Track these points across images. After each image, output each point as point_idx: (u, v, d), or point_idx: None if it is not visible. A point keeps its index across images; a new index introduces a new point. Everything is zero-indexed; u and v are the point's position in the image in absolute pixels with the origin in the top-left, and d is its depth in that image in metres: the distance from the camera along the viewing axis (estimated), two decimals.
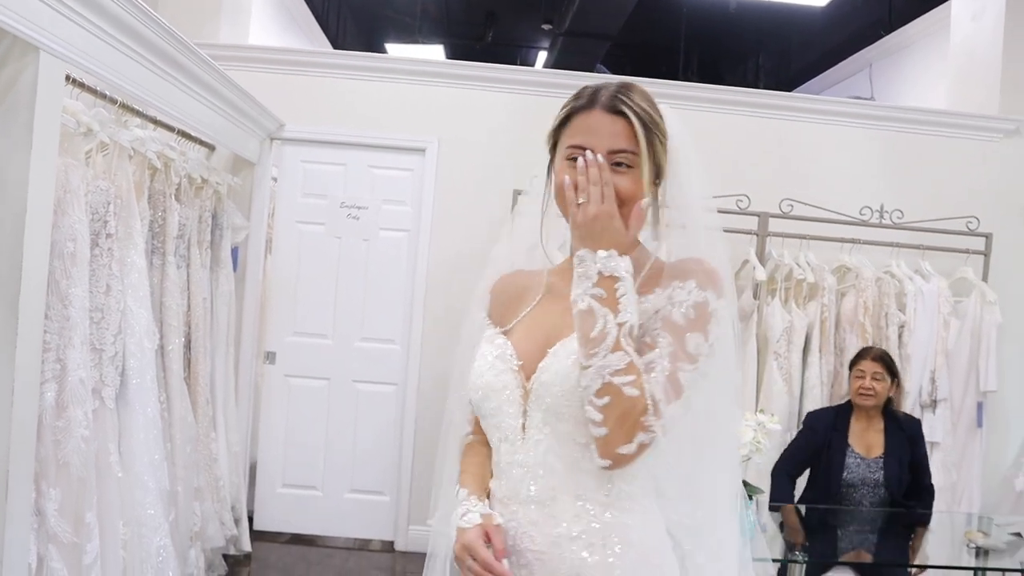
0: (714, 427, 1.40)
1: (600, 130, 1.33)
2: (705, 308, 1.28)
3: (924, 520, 3.44)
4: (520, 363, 1.39)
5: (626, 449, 1.23)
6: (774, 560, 1.41)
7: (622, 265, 1.26)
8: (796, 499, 3.49)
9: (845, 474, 3.34)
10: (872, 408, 3.43)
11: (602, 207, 1.27)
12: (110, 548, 2.66)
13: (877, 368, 3.45)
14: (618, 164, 1.32)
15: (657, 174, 1.36)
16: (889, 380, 3.45)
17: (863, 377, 3.45)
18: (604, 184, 1.28)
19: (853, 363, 3.57)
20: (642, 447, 1.24)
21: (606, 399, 1.22)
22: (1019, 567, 3.07)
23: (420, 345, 4.62)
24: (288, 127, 4.51)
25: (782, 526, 3.16)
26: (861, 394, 3.43)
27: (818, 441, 3.40)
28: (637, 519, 1.32)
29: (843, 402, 3.59)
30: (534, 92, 4.51)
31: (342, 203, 4.62)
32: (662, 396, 1.23)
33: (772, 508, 3.27)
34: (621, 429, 1.22)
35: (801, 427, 3.61)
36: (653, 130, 1.34)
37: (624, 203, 1.31)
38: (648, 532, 1.33)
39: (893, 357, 3.86)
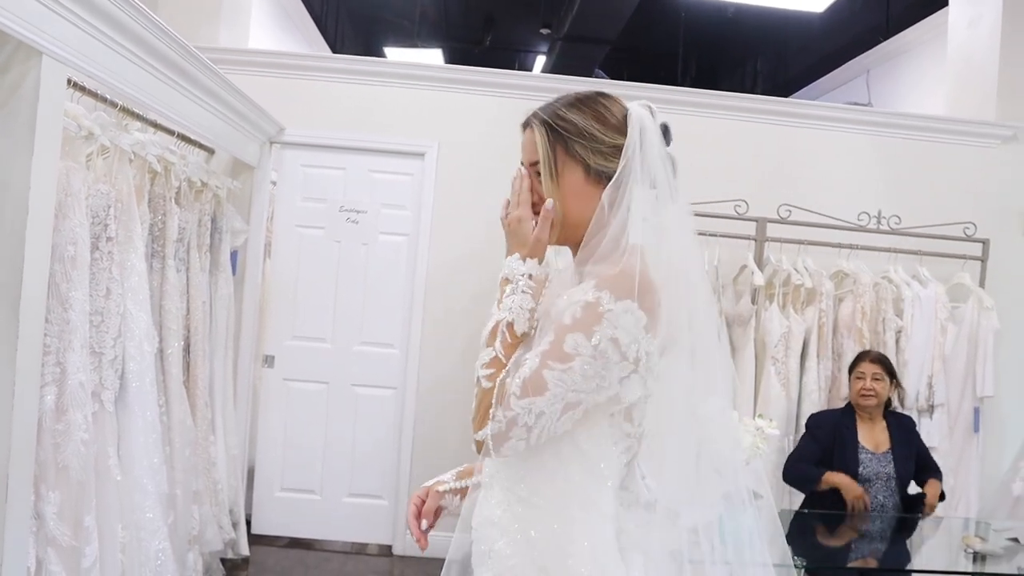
0: (660, 429, 1.42)
1: (523, 145, 1.45)
2: (595, 308, 1.27)
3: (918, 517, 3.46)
4: None
5: (480, 435, 1.30)
6: (775, 565, 1.42)
7: (518, 268, 1.38)
8: (800, 504, 3.50)
9: (861, 469, 3.39)
10: (874, 408, 3.51)
11: (514, 212, 1.41)
12: (109, 551, 2.66)
13: (876, 369, 3.52)
14: (538, 173, 1.41)
15: (604, 175, 1.38)
16: (888, 381, 3.53)
17: (863, 379, 3.52)
18: (520, 192, 1.41)
19: (852, 367, 3.64)
20: (497, 438, 1.28)
21: (475, 390, 1.34)
22: (1016, 572, 3.08)
23: (419, 349, 4.62)
24: (288, 131, 4.52)
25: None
26: (863, 395, 3.50)
27: (826, 441, 3.43)
28: (547, 518, 1.34)
29: (844, 405, 3.63)
30: (533, 97, 4.48)
31: (341, 207, 4.63)
32: (517, 391, 1.27)
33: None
34: (476, 416, 1.32)
35: (805, 430, 3.62)
36: (563, 133, 1.38)
37: (539, 206, 1.40)
38: (554, 533, 1.33)
39: (867, 349, 3.94)
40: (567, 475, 1.34)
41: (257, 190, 4.51)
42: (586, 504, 1.34)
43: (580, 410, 1.29)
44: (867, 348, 4.12)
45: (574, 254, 1.46)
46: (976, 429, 4.29)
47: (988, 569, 3.05)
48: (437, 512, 1.59)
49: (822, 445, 3.46)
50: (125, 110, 3.02)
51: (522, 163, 1.44)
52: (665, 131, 1.42)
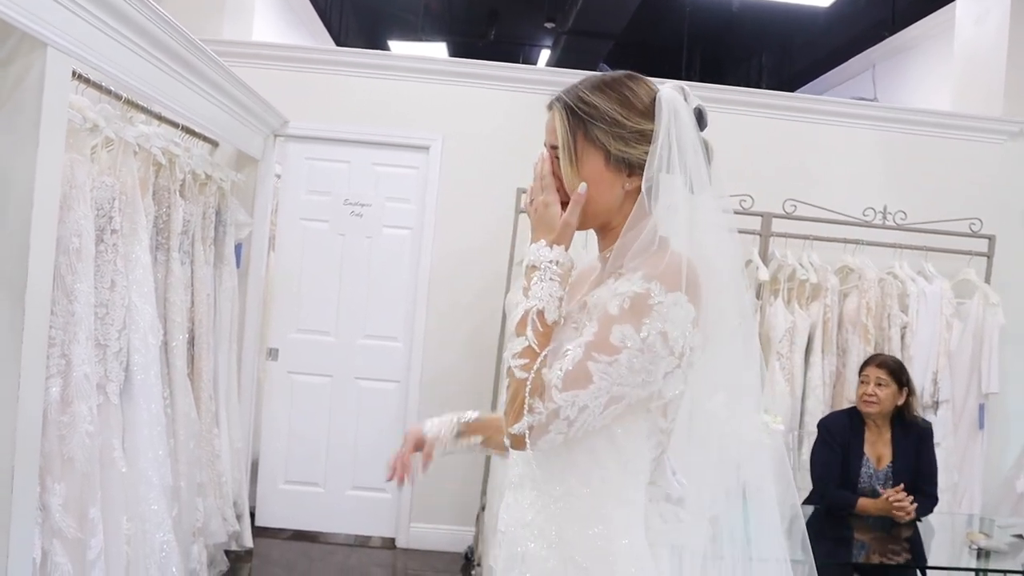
0: (701, 427, 1.39)
1: (546, 127, 1.39)
2: (644, 300, 1.22)
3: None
4: None
5: (516, 429, 1.25)
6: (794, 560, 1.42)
7: (545, 254, 1.32)
8: (803, 500, 3.49)
9: (860, 483, 3.36)
10: (877, 416, 3.39)
11: (539, 198, 1.36)
12: (114, 543, 2.67)
13: (881, 374, 3.39)
14: (558, 157, 1.36)
15: (626, 162, 1.33)
16: (895, 387, 3.38)
17: (867, 383, 3.40)
18: (542, 177, 1.36)
19: (860, 369, 3.54)
20: (536, 430, 1.23)
21: (507, 381, 1.28)
22: (1021, 569, 3.07)
23: (423, 342, 4.62)
24: (292, 124, 4.51)
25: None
26: (864, 400, 3.40)
27: (839, 449, 3.37)
28: (583, 517, 1.30)
29: (850, 407, 3.57)
30: (538, 90, 4.50)
31: (346, 200, 4.62)
32: (558, 383, 1.22)
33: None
34: (512, 409, 1.26)
35: (817, 436, 3.52)
36: (584, 117, 1.33)
37: (562, 191, 1.37)
38: (593, 532, 1.30)
39: (898, 359, 3.85)
40: (603, 473, 1.31)
41: (261, 183, 4.51)
42: (623, 501, 1.31)
43: (623, 404, 1.24)
44: (872, 344, 4.12)
45: (599, 240, 1.43)
46: (981, 426, 4.28)
47: (992, 565, 3.05)
48: (425, 464, 1.61)
49: (837, 453, 3.38)
50: (130, 102, 3.01)
51: (545, 146, 1.40)
52: (699, 115, 1.37)
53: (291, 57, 4.66)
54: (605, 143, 1.32)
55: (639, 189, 1.33)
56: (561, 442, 1.25)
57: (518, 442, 1.27)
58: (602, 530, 1.29)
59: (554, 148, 1.37)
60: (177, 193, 3.33)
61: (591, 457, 1.30)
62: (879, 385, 3.38)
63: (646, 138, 1.32)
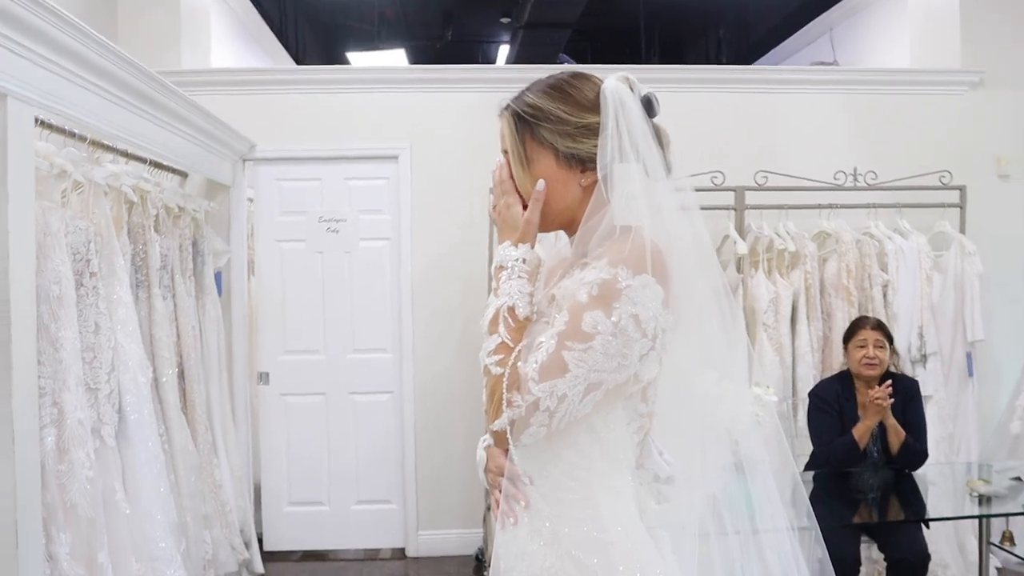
0: (673, 403, 1.42)
1: (500, 135, 1.44)
2: (612, 285, 1.24)
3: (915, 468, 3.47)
4: None
5: (497, 425, 1.28)
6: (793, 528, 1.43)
7: (511, 254, 1.36)
8: (804, 467, 3.53)
9: None
10: (875, 378, 3.41)
11: (500, 202, 1.41)
12: None
13: (878, 336, 3.43)
14: (510, 162, 1.41)
15: (576, 157, 1.36)
16: (888, 347, 3.44)
17: (865, 346, 3.42)
18: (501, 181, 1.41)
19: (850, 335, 3.54)
20: (518, 424, 1.26)
21: (484, 379, 1.31)
22: (1021, 510, 3.12)
23: (412, 350, 4.63)
24: (260, 147, 4.50)
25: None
26: (866, 364, 3.41)
27: (834, 415, 3.40)
28: (574, 511, 1.31)
29: (841, 372, 3.59)
30: (501, 88, 4.45)
31: (321, 218, 4.62)
32: (535, 375, 1.23)
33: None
34: (491, 406, 1.29)
35: (810, 405, 3.55)
36: (529, 119, 1.37)
37: (520, 192, 1.41)
38: (585, 525, 1.31)
39: (880, 317, 3.91)
40: (588, 464, 1.32)
41: (234, 209, 4.49)
42: (610, 490, 1.32)
43: (601, 391, 1.25)
44: (855, 305, 4.16)
45: (570, 237, 1.45)
46: (970, 373, 4.33)
47: (995, 510, 3.10)
48: None
49: (834, 419, 3.41)
50: (95, 143, 3.00)
51: (502, 152, 1.44)
52: (648, 103, 1.38)
53: (252, 80, 4.65)
54: (553, 142, 1.36)
55: (596, 183, 1.35)
56: (544, 435, 1.27)
57: (500, 439, 1.30)
58: (595, 522, 1.31)
59: (507, 153, 1.41)
60: (152, 228, 3.32)
61: (574, 450, 1.32)
62: (879, 347, 3.42)
63: (593, 132, 1.35)
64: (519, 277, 1.34)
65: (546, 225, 1.42)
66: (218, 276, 4.22)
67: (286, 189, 4.63)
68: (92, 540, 2.53)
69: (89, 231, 2.78)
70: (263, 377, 4.62)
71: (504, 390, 1.26)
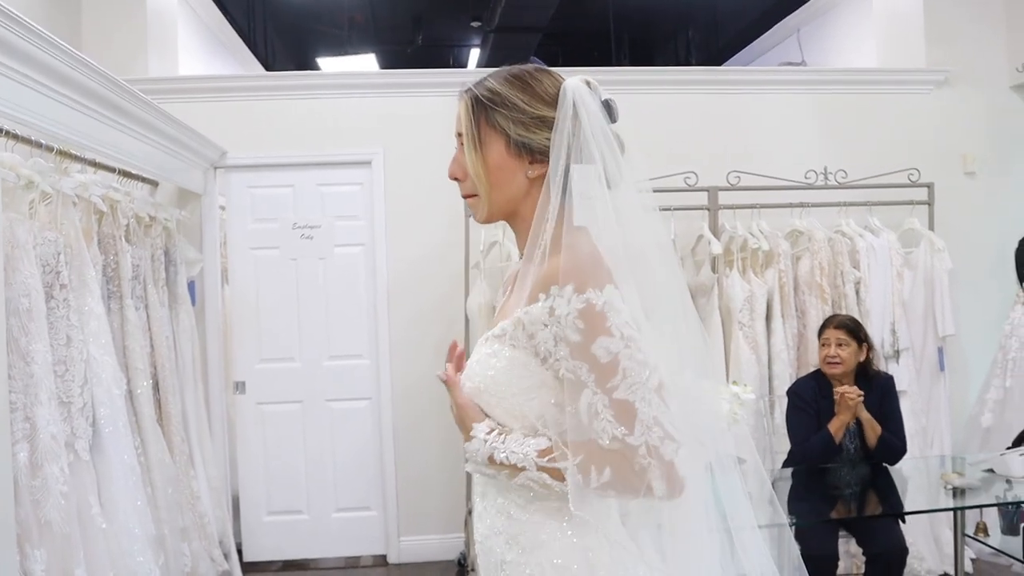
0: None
1: (457, 116, 1.44)
2: (592, 311, 1.21)
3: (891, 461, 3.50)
4: None
5: (664, 494, 1.21)
6: (761, 527, 1.43)
7: (480, 437, 1.33)
8: (782, 464, 3.56)
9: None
10: (842, 375, 3.45)
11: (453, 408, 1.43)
12: None
13: (840, 335, 3.46)
14: (463, 145, 1.40)
15: (526, 147, 1.35)
16: (855, 345, 3.45)
17: (828, 345, 3.47)
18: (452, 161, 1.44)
19: (819, 333, 3.60)
20: (665, 473, 1.20)
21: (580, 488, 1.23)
22: (995, 502, 3.17)
23: (389, 356, 4.61)
24: (231, 154, 4.46)
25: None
26: (828, 363, 3.46)
27: (812, 412, 3.43)
28: (551, 519, 1.30)
29: (817, 370, 3.62)
30: None
31: (294, 224, 4.59)
32: (619, 432, 1.19)
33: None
34: (623, 489, 1.22)
35: (788, 403, 3.57)
36: (486, 103, 1.37)
37: (467, 179, 1.41)
38: (561, 534, 1.30)
39: (854, 315, 3.95)
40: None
41: (206, 217, 4.45)
42: (588, 504, 1.29)
43: (663, 386, 1.23)
44: (828, 303, 4.21)
45: (516, 236, 1.45)
46: (941, 368, 4.40)
47: (968, 502, 3.15)
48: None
49: (812, 417, 3.44)
50: (63, 153, 2.95)
51: (455, 135, 1.44)
52: (608, 107, 1.37)
53: (222, 87, 4.61)
54: (505, 127, 1.36)
55: (543, 177, 1.35)
56: (686, 454, 1.22)
57: (677, 492, 1.23)
58: (573, 528, 1.30)
59: (460, 135, 1.41)
60: (123, 239, 3.27)
61: None
62: (840, 345, 3.45)
63: (547, 125, 1.34)
64: (493, 444, 1.31)
65: (490, 215, 1.42)
66: (191, 285, 4.17)
67: (258, 196, 4.59)
68: (68, 556, 2.49)
69: (59, 242, 2.74)
70: (239, 386, 4.57)
71: (626, 478, 1.20)
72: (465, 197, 1.44)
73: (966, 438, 4.54)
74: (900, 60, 4.97)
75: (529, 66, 1.42)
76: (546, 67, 1.43)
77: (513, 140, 1.36)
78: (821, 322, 3.98)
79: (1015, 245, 4.59)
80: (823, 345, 3.51)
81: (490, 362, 1.34)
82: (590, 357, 1.21)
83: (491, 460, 1.31)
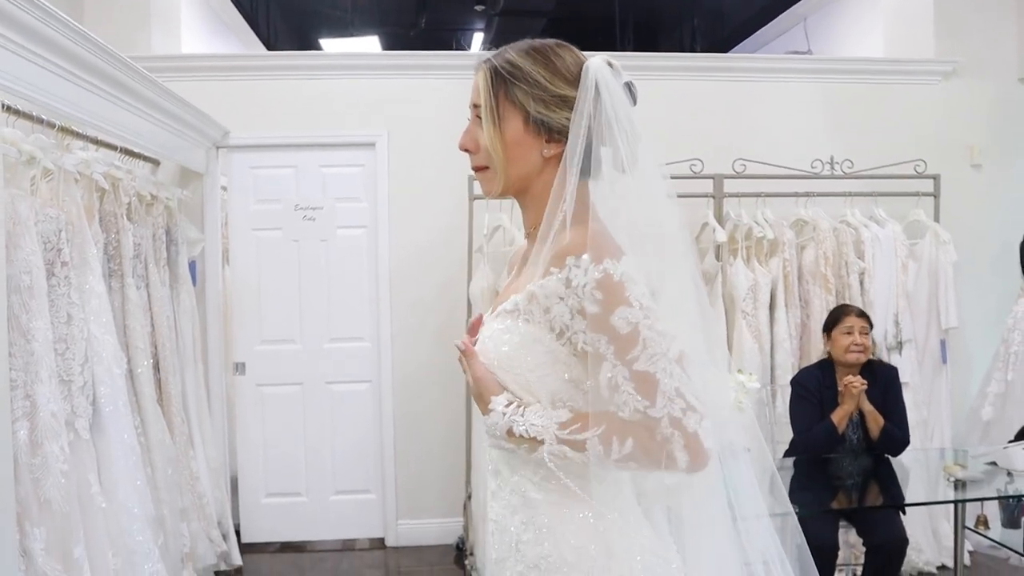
0: None
1: (472, 88, 1.39)
2: (611, 280, 1.19)
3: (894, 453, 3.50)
4: None
5: (688, 467, 1.19)
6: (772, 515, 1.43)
7: (504, 412, 1.28)
8: (783, 453, 3.55)
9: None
10: (860, 364, 3.42)
11: (468, 379, 1.37)
12: None
13: (863, 323, 3.44)
14: (480, 116, 1.36)
15: (545, 125, 1.32)
16: (871, 334, 3.46)
17: (852, 333, 3.42)
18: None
19: (835, 322, 3.52)
20: (692, 442, 1.18)
21: (625, 463, 1.22)
22: (996, 495, 3.17)
23: (390, 339, 4.59)
24: (233, 134, 4.43)
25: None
26: (853, 351, 3.41)
27: (816, 403, 3.42)
28: (566, 498, 1.28)
29: (822, 360, 3.60)
30: None
31: (296, 206, 4.56)
32: (642, 405, 1.18)
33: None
34: (648, 461, 1.21)
35: (792, 393, 3.55)
36: (506, 76, 1.33)
37: (480, 151, 1.37)
38: (577, 514, 1.28)
39: (857, 305, 3.94)
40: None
41: (208, 197, 4.42)
42: (601, 477, 1.28)
43: (685, 357, 1.21)
44: (832, 293, 4.19)
45: (523, 213, 1.42)
46: (944, 361, 4.39)
47: (970, 495, 3.14)
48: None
49: (815, 407, 3.42)
50: (64, 129, 2.92)
51: (469, 106, 1.39)
52: (629, 90, 1.35)
53: (226, 66, 4.57)
54: (525, 104, 1.32)
55: (558, 157, 1.32)
56: (710, 426, 1.20)
57: (702, 463, 1.21)
58: (588, 508, 1.28)
59: (476, 107, 1.37)
60: (124, 217, 3.25)
61: None
62: (864, 334, 3.43)
63: (568, 104, 1.31)
64: (512, 417, 1.28)
65: (503, 190, 1.38)
66: (192, 265, 4.15)
67: (261, 177, 4.56)
68: (68, 535, 2.48)
69: (60, 219, 2.72)
70: (239, 367, 4.56)
71: (627, 436, 1.19)
72: (475, 169, 1.41)
73: (966, 431, 4.53)
74: (908, 50, 4.93)
75: (550, 40, 1.38)
76: (566, 43, 1.39)
77: (532, 117, 1.32)
78: (824, 312, 3.96)
79: (1019, 238, 4.57)
80: (847, 333, 3.44)
81: (503, 337, 1.32)
82: (609, 328, 1.20)
83: (510, 433, 1.27)
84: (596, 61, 1.34)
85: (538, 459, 1.27)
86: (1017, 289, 4.55)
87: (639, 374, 1.18)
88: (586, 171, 1.32)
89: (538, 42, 1.38)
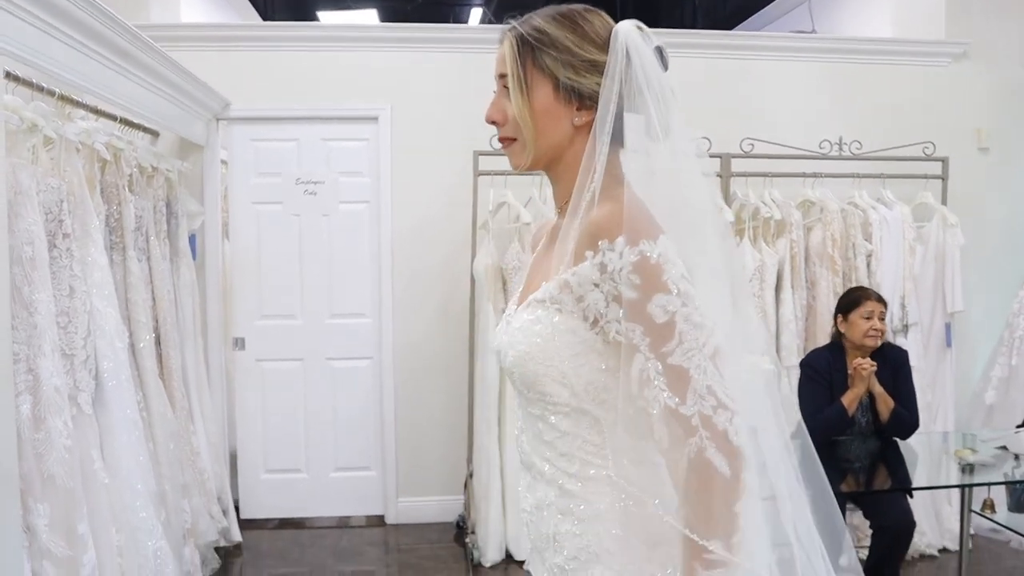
0: None
1: (497, 58, 1.34)
2: (647, 262, 1.13)
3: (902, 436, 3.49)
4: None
5: (724, 467, 1.13)
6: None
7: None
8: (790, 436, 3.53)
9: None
10: (876, 348, 3.40)
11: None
12: (106, 557, 2.58)
13: (882, 308, 3.42)
14: (506, 87, 1.30)
15: (576, 91, 1.26)
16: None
17: (871, 318, 3.39)
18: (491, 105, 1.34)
19: (854, 305, 3.47)
20: (721, 442, 1.12)
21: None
22: (1003, 480, 3.16)
23: (392, 315, 4.55)
24: (234, 106, 4.35)
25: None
26: (871, 335, 3.38)
27: (826, 383, 3.40)
28: (604, 487, 1.24)
29: (832, 342, 3.57)
30: (483, 50, 4.39)
31: (298, 179, 4.49)
32: (672, 402, 1.12)
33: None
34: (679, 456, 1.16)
35: (803, 376, 3.52)
36: (533, 43, 1.27)
37: (507, 123, 1.31)
38: (617, 504, 1.23)
39: (864, 287, 3.90)
40: (612, 439, 1.24)
41: (208, 170, 4.35)
42: (639, 462, 1.24)
43: (722, 353, 1.15)
44: (840, 275, 4.16)
45: (553, 186, 1.37)
46: (948, 344, 4.38)
47: (977, 479, 3.13)
48: None
49: (825, 389, 3.40)
50: (64, 98, 2.85)
51: (495, 77, 1.34)
52: (660, 54, 1.28)
53: (226, 36, 4.47)
54: (554, 70, 1.26)
55: (589, 125, 1.27)
56: (740, 423, 1.14)
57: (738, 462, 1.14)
58: (629, 496, 1.24)
59: (503, 77, 1.31)
60: (126, 188, 3.18)
61: (591, 427, 1.25)
62: (882, 319, 3.41)
63: (598, 69, 1.26)
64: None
65: (533, 162, 1.32)
66: (192, 239, 4.09)
67: (262, 150, 4.48)
68: (71, 511, 2.44)
69: (62, 190, 2.65)
70: (239, 342, 4.51)
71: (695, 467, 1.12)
72: (502, 141, 1.35)
73: (969, 415, 4.53)
74: (917, 31, 4.87)
75: (577, 5, 1.32)
76: (593, 7, 1.33)
77: (562, 84, 1.26)
78: (830, 294, 3.94)
79: None
80: (866, 318, 3.40)
81: (534, 328, 1.27)
82: (646, 318, 1.14)
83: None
84: (626, 25, 1.28)
85: (573, 451, 1.24)
86: (1022, 274, 4.54)
87: (672, 368, 1.13)
88: (618, 140, 1.26)
89: (564, 7, 1.32)
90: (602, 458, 1.23)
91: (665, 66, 1.30)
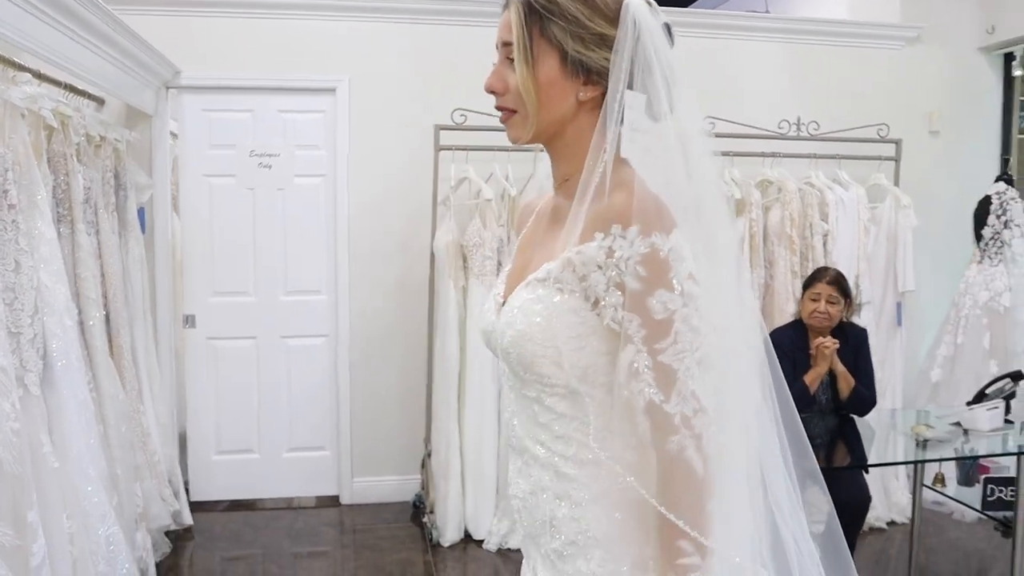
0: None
1: (500, 24, 1.27)
2: (657, 256, 1.11)
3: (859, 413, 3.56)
4: (502, 303, 1.31)
5: (676, 466, 1.14)
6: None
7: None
8: None
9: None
10: (824, 330, 3.43)
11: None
12: (57, 545, 2.47)
13: (832, 292, 3.41)
14: (509, 57, 1.24)
15: (583, 65, 1.21)
16: (843, 303, 3.43)
17: (818, 300, 3.41)
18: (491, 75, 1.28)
19: (806, 286, 3.51)
20: (692, 447, 1.12)
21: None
22: (953, 456, 3.25)
23: (348, 292, 4.46)
24: (185, 74, 4.18)
25: None
26: (814, 317, 3.41)
27: (789, 361, 3.42)
28: (601, 472, 1.22)
29: (795, 320, 3.60)
30: (447, 21, 4.31)
31: (252, 152, 4.35)
32: (656, 398, 1.12)
33: None
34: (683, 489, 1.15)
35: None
36: (542, 12, 1.21)
37: (508, 93, 1.25)
38: (615, 485, 1.21)
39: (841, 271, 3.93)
40: (606, 422, 1.21)
41: (157, 140, 4.19)
42: (634, 445, 1.21)
43: (714, 368, 1.14)
44: (797, 254, 4.21)
45: (552, 162, 1.32)
46: (899, 323, 4.47)
47: (930, 454, 3.20)
48: None
49: (788, 366, 3.43)
50: (4, 60, 2.69)
51: (496, 46, 1.27)
52: (667, 30, 1.24)
53: (178, 1, 4.27)
54: (562, 41, 1.21)
55: (595, 101, 1.23)
56: (716, 431, 1.14)
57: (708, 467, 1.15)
58: (624, 479, 1.21)
59: (507, 45, 1.24)
60: (74, 158, 3.03)
61: (589, 409, 1.21)
62: (831, 303, 3.40)
63: (607, 44, 1.21)
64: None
65: (534, 136, 1.27)
66: (141, 212, 3.94)
67: (215, 120, 4.32)
68: (20, 498, 2.32)
69: (7, 158, 2.50)
70: (189, 320, 4.37)
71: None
72: (500, 110, 1.29)
73: (915, 392, 4.65)
74: (873, 14, 4.93)
75: None
76: None
77: (570, 56, 1.21)
78: (788, 273, 3.98)
79: (974, 205, 4.67)
80: (813, 300, 3.43)
81: (534, 308, 1.22)
82: (644, 310, 1.12)
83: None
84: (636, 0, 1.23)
85: (570, 434, 1.21)
86: (970, 254, 4.66)
87: (662, 366, 1.12)
88: (621, 117, 1.21)
89: None
90: (599, 441, 1.21)
91: (671, 42, 1.26)
